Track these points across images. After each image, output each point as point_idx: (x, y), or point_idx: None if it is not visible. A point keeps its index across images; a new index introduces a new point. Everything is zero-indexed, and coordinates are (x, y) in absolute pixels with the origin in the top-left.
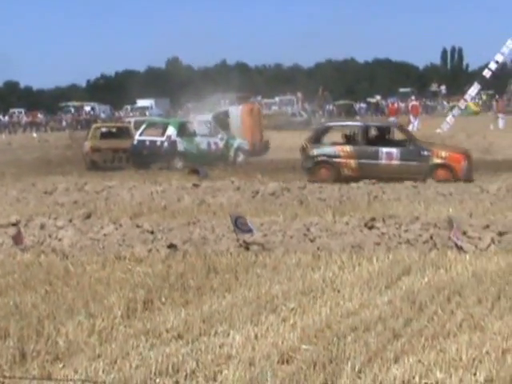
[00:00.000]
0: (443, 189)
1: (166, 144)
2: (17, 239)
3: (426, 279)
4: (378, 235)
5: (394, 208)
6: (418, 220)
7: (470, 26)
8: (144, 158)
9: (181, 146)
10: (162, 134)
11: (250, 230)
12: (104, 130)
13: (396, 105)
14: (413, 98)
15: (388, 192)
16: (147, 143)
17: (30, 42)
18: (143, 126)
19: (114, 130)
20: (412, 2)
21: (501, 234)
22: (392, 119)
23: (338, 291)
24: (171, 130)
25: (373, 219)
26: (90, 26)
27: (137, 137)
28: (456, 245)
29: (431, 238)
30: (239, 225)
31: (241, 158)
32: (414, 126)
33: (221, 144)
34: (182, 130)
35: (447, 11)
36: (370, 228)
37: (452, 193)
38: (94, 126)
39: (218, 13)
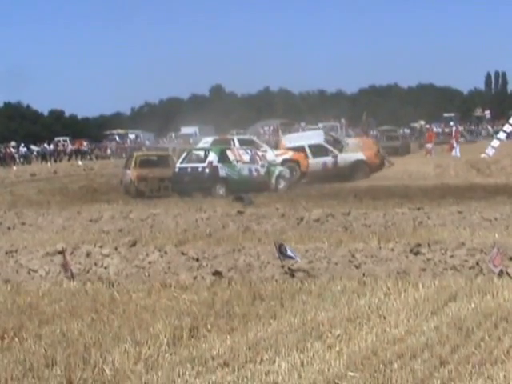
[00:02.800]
0: (489, 214)
1: (207, 170)
2: (65, 267)
3: (473, 305)
4: (423, 261)
5: (439, 233)
6: (463, 245)
7: None
8: (185, 185)
9: (222, 171)
10: (204, 161)
11: (294, 256)
12: (146, 158)
13: (435, 130)
14: (451, 123)
15: (433, 217)
16: (189, 170)
17: (74, 71)
18: (184, 154)
19: (155, 158)
20: (455, 28)
21: None
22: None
23: (384, 318)
24: (212, 156)
25: (418, 245)
26: (133, 54)
27: (178, 164)
28: (494, 272)
29: (477, 263)
30: (283, 251)
31: (282, 185)
32: (456, 151)
33: (262, 171)
34: (224, 156)
35: (490, 36)
36: (416, 254)
37: (497, 218)
38: (135, 154)
39: (261, 39)
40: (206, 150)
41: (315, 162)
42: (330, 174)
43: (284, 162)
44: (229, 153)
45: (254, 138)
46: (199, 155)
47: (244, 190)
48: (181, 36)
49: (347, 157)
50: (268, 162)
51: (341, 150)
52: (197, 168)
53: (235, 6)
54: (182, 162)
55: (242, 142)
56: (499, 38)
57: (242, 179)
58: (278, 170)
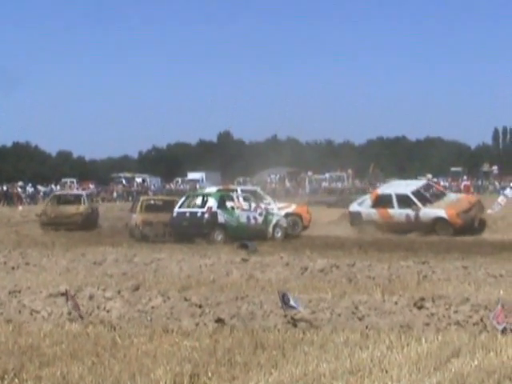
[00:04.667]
0: (494, 270)
1: (206, 215)
2: (75, 307)
3: (476, 362)
4: (427, 315)
5: (443, 288)
6: (468, 301)
7: None
8: (184, 229)
9: (221, 218)
10: (202, 206)
11: (297, 307)
12: (152, 202)
13: (442, 184)
14: (464, 177)
15: (438, 272)
16: (187, 215)
17: (82, 113)
18: (183, 199)
19: (160, 202)
20: (463, 83)
21: None
22: None
23: (386, 371)
24: (212, 202)
25: (422, 299)
26: (141, 98)
27: (176, 209)
28: (497, 329)
29: (481, 320)
30: (286, 301)
31: (279, 234)
32: None
33: (260, 219)
34: (222, 202)
35: (498, 91)
36: (420, 308)
37: (503, 274)
38: (141, 198)
39: (270, 88)
40: (205, 195)
41: (399, 213)
42: (413, 227)
43: (287, 216)
44: (227, 199)
45: (258, 190)
46: (198, 200)
47: (242, 237)
48: (191, 82)
49: (430, 212)
50: (266, 210)
51: (430, 203)
52: (196, 213)
53: (245, 54)
54: (180, 207)
55: (246, 193)
56: (507, 94)
57: (240, 226)
58: (275, 218)
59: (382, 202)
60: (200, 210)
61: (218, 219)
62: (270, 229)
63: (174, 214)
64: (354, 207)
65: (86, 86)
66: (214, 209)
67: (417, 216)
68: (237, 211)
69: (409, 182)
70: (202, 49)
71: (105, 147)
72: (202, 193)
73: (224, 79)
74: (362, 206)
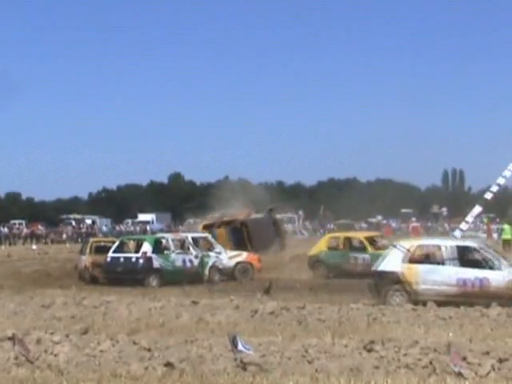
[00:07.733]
0: (443, 312)
1: (141, 261)
2: (24, 350)
3: None
4: (376, 358)
5: (393, 331)
6: (417, 344)
7: (471, 149)
8: (118, 275)
9: (156, 262)
10: (137, 251)
11: (247, 350)
12: (102, 244)
13: (393, 225)
14: (413, 219)
15: (387, 314)
16: (121, 260)
17: (32, 154)
18: (117, 243)
19: (110, 244)
20: (413, 125)
21: (501, 360)
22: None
23: None
24: (147, 247)
25: (372, 342)
26: (92, 140)
27: (110, 254)
28: (455, 371)
29: (430, 362)
30: (236, 344)
31: (217, 277)
32: None
33: (196, 262)
34: (158, 246)
35: (448, 134)
36: (369, 351)
37: (452, 317)
38: (91, 240)
39: (220, 129)
40: (140, 240)
41: None
42: None
43: (237, 265)
44: (163, 242)
45: (209, 237)
46: (132, 244)
47: (178, 281)
48: (140, 122)
49: None
50: (201, 253)
51: None
52: (130, 258)
53: (198, 95)
54: (114, 251)
55: (196, 240)
56: (456, 137)
57: (176, 270)
58: (211, 260)
59: None
60: (134, 256)
61: (153, 264)
62: (206, 271)
63: (108, 259)
64: None
65: (33, 127)
66: (149, 253)
67: None
68: (172, 255)
69: None
70: (151, 90)
71: (54, 188)
72: (137, 237)
73: (174, 121)
74: None
